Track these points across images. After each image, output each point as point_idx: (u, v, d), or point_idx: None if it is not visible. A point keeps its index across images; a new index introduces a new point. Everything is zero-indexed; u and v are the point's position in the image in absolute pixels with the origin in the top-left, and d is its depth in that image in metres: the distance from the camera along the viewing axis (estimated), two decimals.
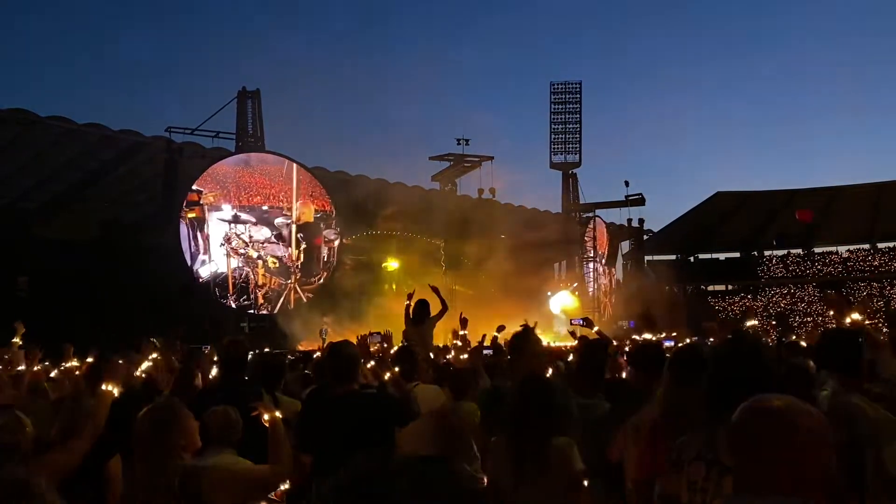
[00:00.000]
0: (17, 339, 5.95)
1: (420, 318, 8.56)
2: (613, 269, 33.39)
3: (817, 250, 40.72)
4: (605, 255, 31.92)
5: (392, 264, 23.47)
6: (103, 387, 3.35)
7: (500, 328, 7.22)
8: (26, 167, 20.26)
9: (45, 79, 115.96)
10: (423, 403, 4.56)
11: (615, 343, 7.61)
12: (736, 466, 1.64)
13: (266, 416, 3.17)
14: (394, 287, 22.42)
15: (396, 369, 4.35)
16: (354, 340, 5.49)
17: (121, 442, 3.19)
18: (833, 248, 40.40)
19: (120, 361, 6.08)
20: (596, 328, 7.27)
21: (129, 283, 17.77)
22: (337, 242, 21.44)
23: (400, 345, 5.49)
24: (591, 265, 29.98)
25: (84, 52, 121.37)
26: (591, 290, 29.42)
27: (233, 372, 4.15)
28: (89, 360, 5.91)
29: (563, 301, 25.21)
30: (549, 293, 26.82)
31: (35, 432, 2.90)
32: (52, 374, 6.13)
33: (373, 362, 5.69)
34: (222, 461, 2.92)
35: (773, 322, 32.75)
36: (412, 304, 8.56)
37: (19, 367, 5.31)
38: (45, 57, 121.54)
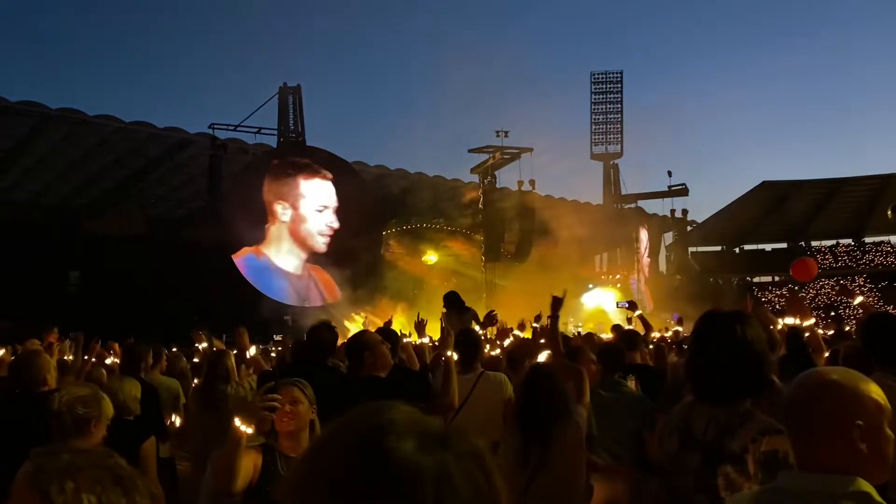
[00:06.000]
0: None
1: (458, 306, 8.48)
2: (657, 261, 32.99)
3: (867, 240, 39.62)
4: (648, 247, 31.53)
5: (431, 258, 23.54)
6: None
7: (538, 318, 7.18)
8: (77, 165, 20.84)
9: (93, 78, 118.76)
10: (487, 392, 4.50)
11: (656, 331, 7.59)
12: (792, 442, 1.62)
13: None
14: (431, 282, 22.48)
15: (451, 353, 4.01)
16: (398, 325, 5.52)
17: (153, 425, 3.25)
18: (885, 238, 39.26)
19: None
20: (638, 312, 7.25)
21: (176, 277, 18.16)
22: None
23: (459, 329, 5.23)
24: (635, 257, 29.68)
25: (129, 52, 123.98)
26: (633, 282, 29.10)
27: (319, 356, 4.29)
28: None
29: (599, 297, 24.97)
30: (590, 285, 26.60)
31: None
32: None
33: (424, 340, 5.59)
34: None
35: (822, 314, 31.99)
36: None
37: (67, 357, 5.50)
38: (93, 57, 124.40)
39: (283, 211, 19.08)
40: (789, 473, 1.59)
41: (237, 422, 2.70)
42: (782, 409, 1.64)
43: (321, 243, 19.47)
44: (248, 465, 2.87)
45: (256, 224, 18.80)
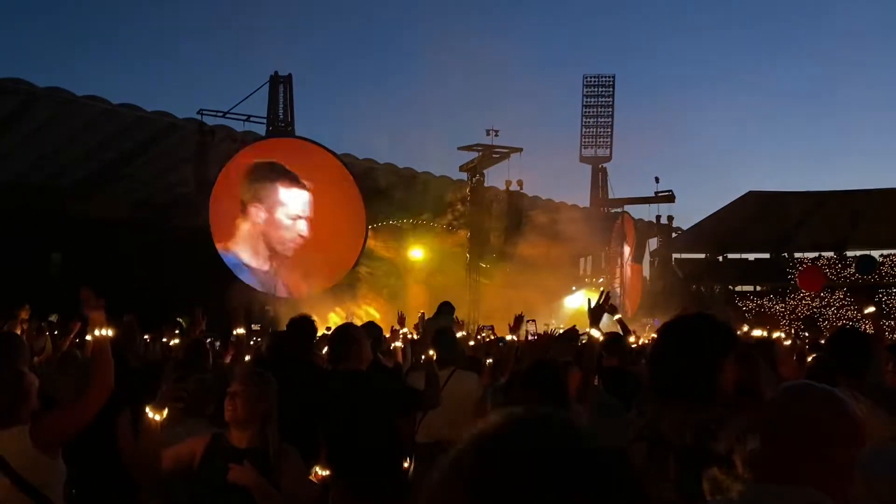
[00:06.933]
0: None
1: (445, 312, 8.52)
2: (640, 266, 33.14)
3: (850, 254, 40.01)
4: (632, 252, 31.67)
5: (415, 253, 23.54)
6: (95, 333, 3.23)
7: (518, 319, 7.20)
8: (62, 145, 20.63)
9: (81, 58, 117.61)
10: (459, 389, 4.56)
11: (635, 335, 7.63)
12: (762, 450, 1.61)
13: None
14: (415, 277, 22.49)
15: (432, 353, 4.13)
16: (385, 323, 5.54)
17: (126, 402, 3.24)
18: (867, 252, 39.61)
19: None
20: (618, 316, 7.25)
21: (160, 264, 18.04)
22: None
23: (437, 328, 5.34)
24: (618, 261, 29.80)
25: (120, 33, 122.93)
26: (616, 286, 29.23)
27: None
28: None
29: (582, 300, 25.06)
30: (573, 287, 26.72)
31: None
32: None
33: (397, 343, 5.70)
34: None
35: (802, 326, 32.26)
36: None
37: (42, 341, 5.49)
38: (82, 36, 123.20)
39: (257, 213, 19.22)
40: (754, 485, 1.60)
41: (147, 410, 2.81)
42: (758, 417, 1.64)
43: (289, 250, 19.64)
44: (184, 451, 2.96)
45: (228, 218, 18.86)
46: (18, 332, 5.54)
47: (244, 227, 19.05)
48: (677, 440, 2.05)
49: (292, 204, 19.57)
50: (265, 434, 2.93)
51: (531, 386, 3.37)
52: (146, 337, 7.05)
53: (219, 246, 18.62)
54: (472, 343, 7.42)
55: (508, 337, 5.97)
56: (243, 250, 19.07)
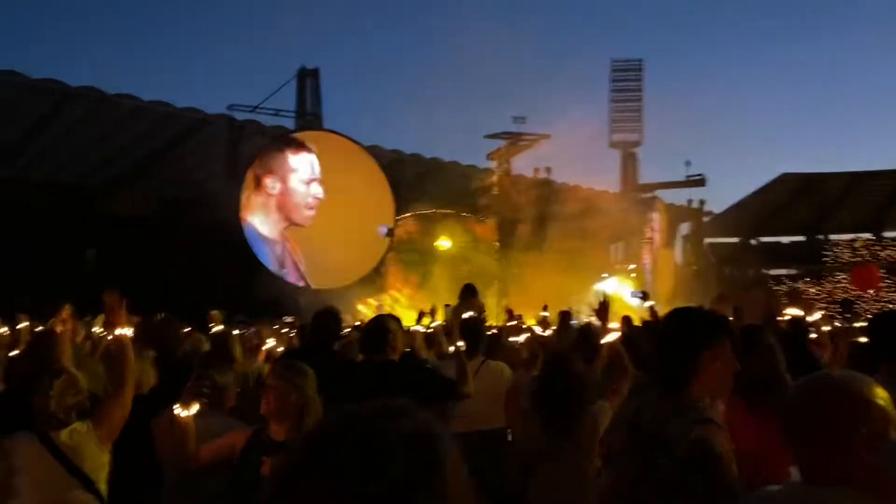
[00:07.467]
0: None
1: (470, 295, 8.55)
2: (672, 251, 32.74)
3: (887, 234, 39.13)
4: (663, 237, 31.30)
5: (444, 244, 23.53)
6: (117, 332, 3.41)
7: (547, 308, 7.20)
8: (94, 143, 20.94)
9: (112, 56, 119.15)
10: (489, 379, 4.54)
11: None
12: (794, 450, 1.53)
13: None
14: (442, 267, 22.49)
15: (461, 344, 4.11)
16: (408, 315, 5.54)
17: (164, 401, 3.31)
18: None
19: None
20: (650, 303, 7.16)
21: (191, 258, 18.26)
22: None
23: (464, 317, 5.30)
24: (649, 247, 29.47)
25: (150, 30, 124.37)
26: (648, 272, 28.94)
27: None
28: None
29: (614, 287, 24.83)
30: (604, 275, 26.48)
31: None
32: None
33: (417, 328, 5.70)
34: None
35: (839, 309, 31.62)
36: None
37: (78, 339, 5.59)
38: (111, 34, 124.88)
39: (272, 184, 19.69)
40: (788, 485, 1.53)
41: (176, 407, 2.89)
42: (783, 412, 1.57)
43: (307, 216, 20.03)
44: (224, 444, 3.01)
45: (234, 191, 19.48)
46: (60, 330, 5.65)
47: (258, 199, 19.63)
48: (646, 426, 2.13)
49: (302, 168, 20.00)
50: (301, 426, 2.94)
51: (546, 383, 3.44)
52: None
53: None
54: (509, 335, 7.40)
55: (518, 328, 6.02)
56: (257, 220, 19.64)
